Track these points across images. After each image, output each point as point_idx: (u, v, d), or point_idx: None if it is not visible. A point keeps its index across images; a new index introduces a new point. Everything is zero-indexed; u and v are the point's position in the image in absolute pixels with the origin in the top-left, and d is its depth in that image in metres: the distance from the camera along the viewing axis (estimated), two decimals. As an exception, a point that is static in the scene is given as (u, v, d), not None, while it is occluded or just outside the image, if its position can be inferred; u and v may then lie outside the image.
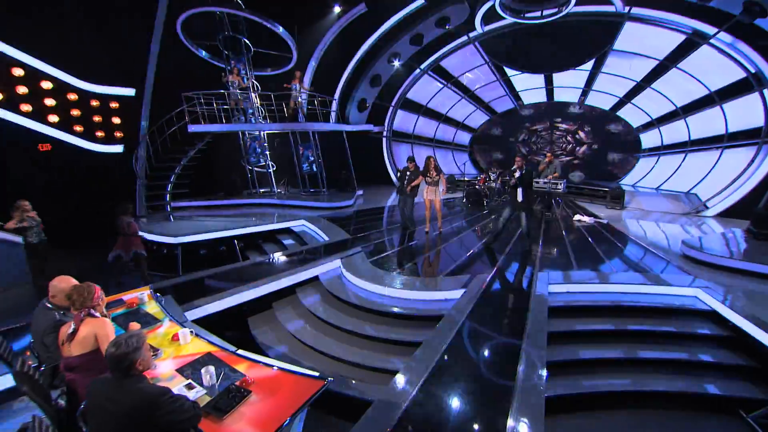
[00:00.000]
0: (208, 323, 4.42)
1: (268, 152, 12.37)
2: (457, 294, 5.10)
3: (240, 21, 11.59)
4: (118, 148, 10.23)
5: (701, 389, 3.92)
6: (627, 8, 10.65)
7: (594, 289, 5.35)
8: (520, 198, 6.44)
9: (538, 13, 11.72)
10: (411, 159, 7.91)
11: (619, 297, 5.11)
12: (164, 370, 2.72)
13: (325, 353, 4.69)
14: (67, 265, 4.64)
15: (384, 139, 15.94)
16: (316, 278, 6.16)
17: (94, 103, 9.63)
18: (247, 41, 11.85)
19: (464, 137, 17.63)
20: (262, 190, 12.40)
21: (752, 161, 10.00)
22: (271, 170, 12.37)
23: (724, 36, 9.72)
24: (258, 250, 8.98)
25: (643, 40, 11.11)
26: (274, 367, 2.74)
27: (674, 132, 12.38)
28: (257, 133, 12.22)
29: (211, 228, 8.70)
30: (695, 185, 11.16)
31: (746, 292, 5.18)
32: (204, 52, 11.78)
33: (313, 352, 4.78)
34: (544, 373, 3.36)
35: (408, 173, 7.79)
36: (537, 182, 9.52)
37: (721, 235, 7.85)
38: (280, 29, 11.70)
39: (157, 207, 10.37)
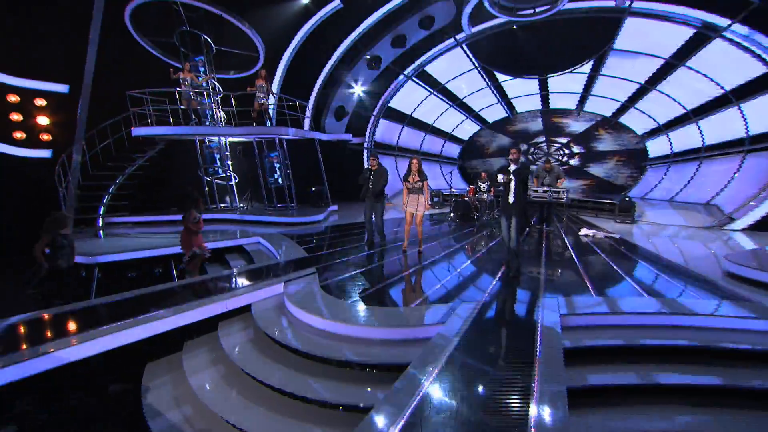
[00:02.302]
0: (68, 375, 3.16)
1: (230, 162, 10.92)
2: (431, 331, 3.55)
3: (199, 16, 10.38)
4: (44, 153, 8.72)
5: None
6: (628, 2, 9.62)
7: (624, 321, 3.85)
8: (511, 198, 4.96)
9: (531, 11, 10.75)
10: (374, 155, 6.57)
11: (662, 331, 3.62)
12: None
13: (238, 428, 3.08)
14: None
15: (365, 151, 14.61)
16: (248, 308, 4.58)
17: (12, 98, 8.17)
18: (208, 38, 10.62)
19: (453, 149, 16.40)
20: (222, 205, 10.86)
21: (780, 167, 8.76)
22: (233, 182, 10.88)
23: (739, 27, 8.65)
24: (202, 271, 7.40)
25: (647, 38, 10.06)
26: None
27: (685, 138, 11.18)
28: (217, 140, 10.80)
29: (143, 246, 7.11)
30: (715, 195, 9.83)
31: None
32: (157, 50, 10.50)
33: (220, 425, 3.16)
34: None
35: (371, 173, 6.38)
36: (536, 191, 8.13)
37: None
38: (246, 25, 10.54)
39: (91, 222, 8.80)
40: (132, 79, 9.60)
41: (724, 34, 8.90)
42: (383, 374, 3.26)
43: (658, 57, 10.45)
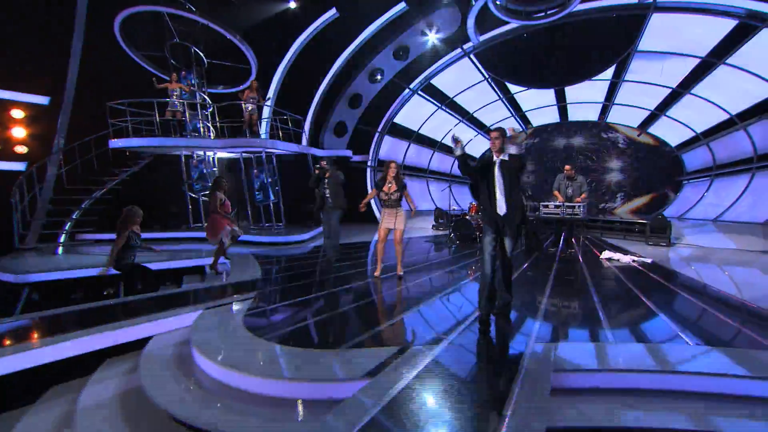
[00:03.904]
0: None
1: (216, 178, 10.25)
2: (348, 389, 2.36)
3: (193, 30, 10.05)
4: (18, 166, 8.32)
5: None
6: (653, -5, 8.47)
7: (658, 383, 2.57)
8: (502, 207, 3.52)
9: (541, 14, 9.77)
10: (327, 159, 5.91)
11: (733, 406, 2.33)
12: None
13: None
14: None
15: (368, 170, 13.70)
16: (146, 341, 3.56)
17: (-14, 109, 7.88)
18: (199, 51, 10.25)
19: (465, 168, 15.24)
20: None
21: None
22: (219, 199, 10.14)
23: (792, 15, 7.29)
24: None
25: (678, 35, 8.78)
26: None
27: (731, 147, 9.55)
28: (203, 154, 10.20)
29: (87, 264, 6.29)
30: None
31: None
32: (147, 63, 10.19)
33: None
34: None
35: (326, 179, 5.45)
36: (546, 206, 6.86)
37: None
38: (237, 37, 10.09)
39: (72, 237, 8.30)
40: (120, 92, 9.21)
41: (774, 22, 7.54)
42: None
43: (692, 56, 9.09)
